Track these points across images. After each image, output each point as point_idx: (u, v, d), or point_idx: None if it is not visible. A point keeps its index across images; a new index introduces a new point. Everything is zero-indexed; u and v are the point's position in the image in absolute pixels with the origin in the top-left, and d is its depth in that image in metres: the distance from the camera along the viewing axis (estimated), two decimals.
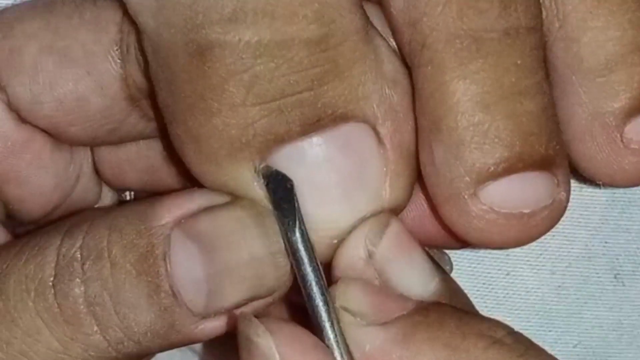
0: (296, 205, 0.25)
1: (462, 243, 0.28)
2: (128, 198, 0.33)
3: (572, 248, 0.36)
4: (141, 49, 0.26)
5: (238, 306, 0.26)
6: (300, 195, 0.25)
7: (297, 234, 0.25)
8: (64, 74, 0.28)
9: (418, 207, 0.28)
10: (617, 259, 0.36)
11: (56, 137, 0.29)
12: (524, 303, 0.36)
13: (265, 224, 0.25)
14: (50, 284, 0.25)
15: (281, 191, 0.25)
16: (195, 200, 0.26)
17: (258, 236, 0.25)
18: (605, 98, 0.27)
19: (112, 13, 0.27)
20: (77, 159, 0.30)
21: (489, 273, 0.36)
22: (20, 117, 0.28)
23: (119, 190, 0.32)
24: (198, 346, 0.35)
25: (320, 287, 0.25)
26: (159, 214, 0.25)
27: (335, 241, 0.26)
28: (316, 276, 0.25)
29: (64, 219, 0.28)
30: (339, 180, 0.25)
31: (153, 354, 0.27)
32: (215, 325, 0.26)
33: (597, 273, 0.36)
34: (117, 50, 0.27)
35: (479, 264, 0.36)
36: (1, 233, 0.30)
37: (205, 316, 0.25)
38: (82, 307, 0.25)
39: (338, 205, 0.25)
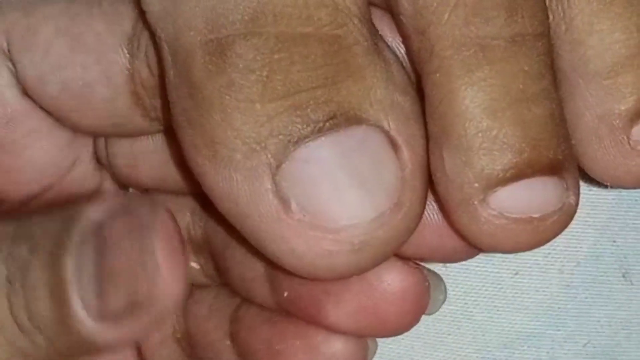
0: None
1: (466, 253, 0.28)
2: None
3: (580, 247, 0.36)
4: (159, 58, 0.27)
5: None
6: (318, 197, 0.25)
7: None
8: (74, 58, 0.28)
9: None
10: (626, 257, 0.36)
11: (58, 120, 0.29)
12: (532, 302, 0.36)
13: None
14: None
15: None
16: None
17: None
18: (611, 100, 0.27)
19: (130, 6, 0.28)
20: (77, 143, 0.30)
21: (497, 272, 0.36)
22: (25, 91, 0.29)
23: (127, 186, 0.33)
24: None
25: None
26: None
27: (357, 246, 0.25)
28: None
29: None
30: (357, 179, 0.25)
31: None
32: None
33: (606, 272, 0.36)
34: (128, 44, 0.28)
35: (487, 263, 0.36)
36: None
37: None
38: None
39: (358, 203, 0.25)
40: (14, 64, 0.28)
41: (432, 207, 0.28)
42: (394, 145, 0.25)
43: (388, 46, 0.26)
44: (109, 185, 0.32)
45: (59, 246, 0.24)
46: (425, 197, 0.26)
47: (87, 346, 0.25)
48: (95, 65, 0.28)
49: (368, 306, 0.29)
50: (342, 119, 0.25)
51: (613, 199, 0.35)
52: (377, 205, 0.25)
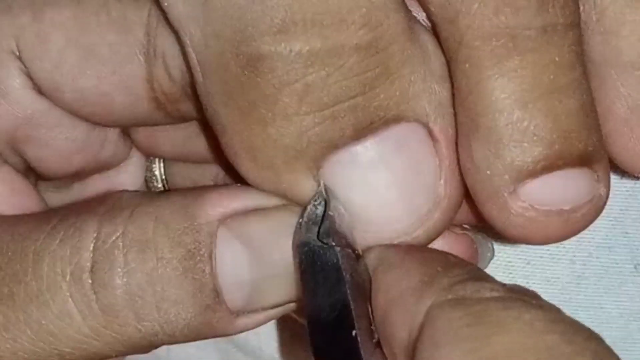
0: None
1: None
2: (157, 172, 0.33)
3: (593, 238, 0.36)
4: (185, 59, 0.26)
5: (275, 307, 0.26)
6: (357, 200, 0.25)
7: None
8: (89, 69, 0.28)
9: None
10: (638, 249, 0.36)
11: (79, 118, 0.29)
12: (544, 292, 0.35)
13: None
14: (88, 270, 0.25)
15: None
16: (241, 199, 0.26)
17: None
18: None
19: (139, 12, 0.27)
20: (101, 130, 0.30)
21: (509, 262, 0.36)
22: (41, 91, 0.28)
23: (149, 155, 0.33)
24: None
25: None
26: (204, 210, 0.26)
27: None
28: None
29: (99, 199, 0.27)
30: (395, 180, 0.25)
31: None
32: (249, 322, 0.26)
33: (617, 263, 0.36)
34: (144, 52, 0.27)
35: (499, 252, 0.35)
36: (25, 185, 0.30)
37: (240, 314, 0.26)
38: (120, 299, 0.25)
39: (396, 206, 0.25)
40: (26, 67, 0.28)
41: None
42: (432, 137, 0.25)
43: (422, 25, 0.26)
44: (136, 150, 0.32)
45: (194, 253, 0.25)
46: (463, 183, 0.26)
47: (218, 336, 0.26)
48: (112, 76, 0.28)
49: None
50: (380, 123, 0.25)
51: (627, 191, 0.35)
52: (416, 208, 0.25)
